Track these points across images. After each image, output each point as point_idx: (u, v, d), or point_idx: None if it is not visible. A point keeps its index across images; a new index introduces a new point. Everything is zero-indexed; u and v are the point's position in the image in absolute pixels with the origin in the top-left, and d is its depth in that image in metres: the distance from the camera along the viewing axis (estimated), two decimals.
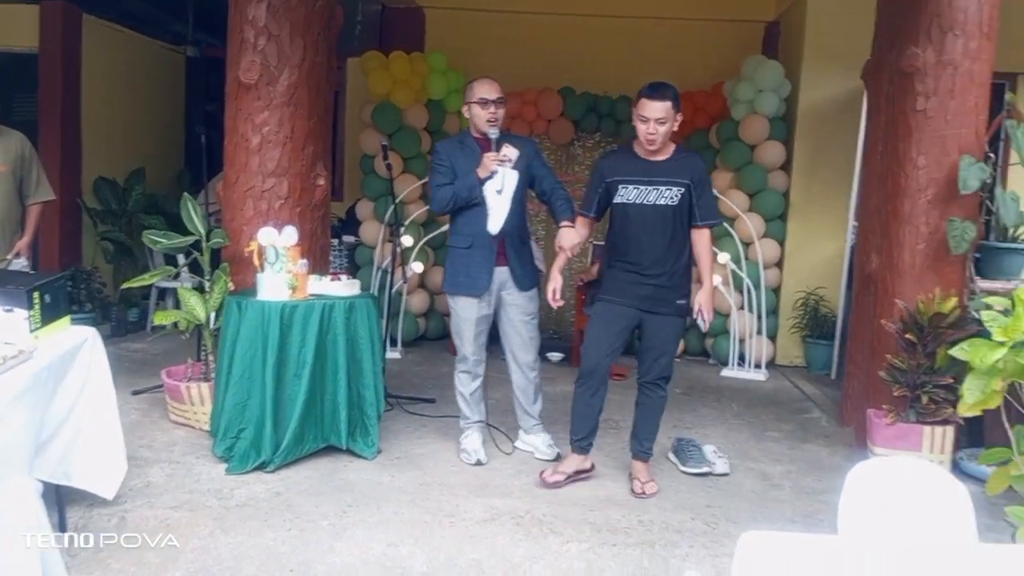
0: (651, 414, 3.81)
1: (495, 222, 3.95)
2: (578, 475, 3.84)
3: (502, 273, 4.01)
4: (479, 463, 4.03)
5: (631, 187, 3.62)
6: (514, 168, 3.94)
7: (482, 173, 3.88)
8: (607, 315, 3.72)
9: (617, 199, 3.67)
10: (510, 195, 3.92)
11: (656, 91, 3.50)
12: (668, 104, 3.49)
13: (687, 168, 3.62)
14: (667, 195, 3.58)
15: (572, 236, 3.81)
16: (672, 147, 3.67)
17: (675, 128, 3.58)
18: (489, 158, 3.87)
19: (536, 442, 4.22)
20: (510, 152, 3.90)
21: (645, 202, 3.60)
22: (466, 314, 4.04)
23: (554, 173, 4.16)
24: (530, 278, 4.10)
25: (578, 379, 3.77)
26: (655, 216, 3.60)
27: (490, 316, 4.09)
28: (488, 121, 3.91)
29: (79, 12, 6.42)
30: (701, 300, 3.68)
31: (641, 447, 3.81)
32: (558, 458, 4.05)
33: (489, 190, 3.91)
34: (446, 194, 3.94)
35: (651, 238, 3.62)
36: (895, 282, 4.35)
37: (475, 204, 3.93)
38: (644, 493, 3.68)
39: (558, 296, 3.79)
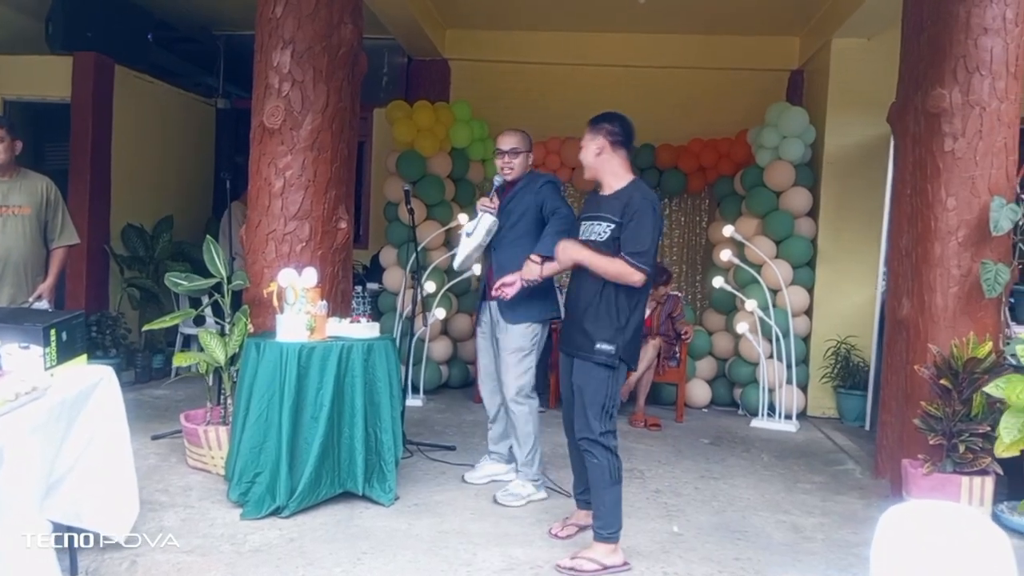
0: (593, 482, 3.36)
1: (457, 258, 4.18)
2: (584, 530, 3.65)
3: (492, 307, 4.15)
4: (463, 479, 4.38)
5: (584, 223, 3.47)
6: (520, 211, 4.07)
7: (479, 209, 4.12)
8: (561, 365, 3.62)
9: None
10: (476, 241, 4.05)
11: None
12: (586, 129, 3.48)
13: (621, 203, 3.31)
14: (597, 230, 3.36)
15: (530, 270, 3.68)
16: (625, 182, 3.39)
17: (596, 154, 3.41)
18: (481, 201, 4.13)
19: (512, 487, 4.14)
20: (493, 204, 4.08)
21: (585, 237, 3.42)
22: (476, 342, 4.42)
23: (558, 213, 3.97)
24: (522, 314, 4.00)
25: None
26: None
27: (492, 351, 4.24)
28: (501, 169, 4.17)
29: (111, 63, 6.56)
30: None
31: (595, 522, 3.35)
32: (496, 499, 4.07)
33: (463, 230, 4.16)
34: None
35: (583, 275, 3.40)
36: (927, 327, 4.23)
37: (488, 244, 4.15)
38: (560, 567, 3.27)
39: (503, 290, 3.76)
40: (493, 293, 3.80)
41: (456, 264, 4.19)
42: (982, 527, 1.87)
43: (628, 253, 3.22)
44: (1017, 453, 2.69)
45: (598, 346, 3.26)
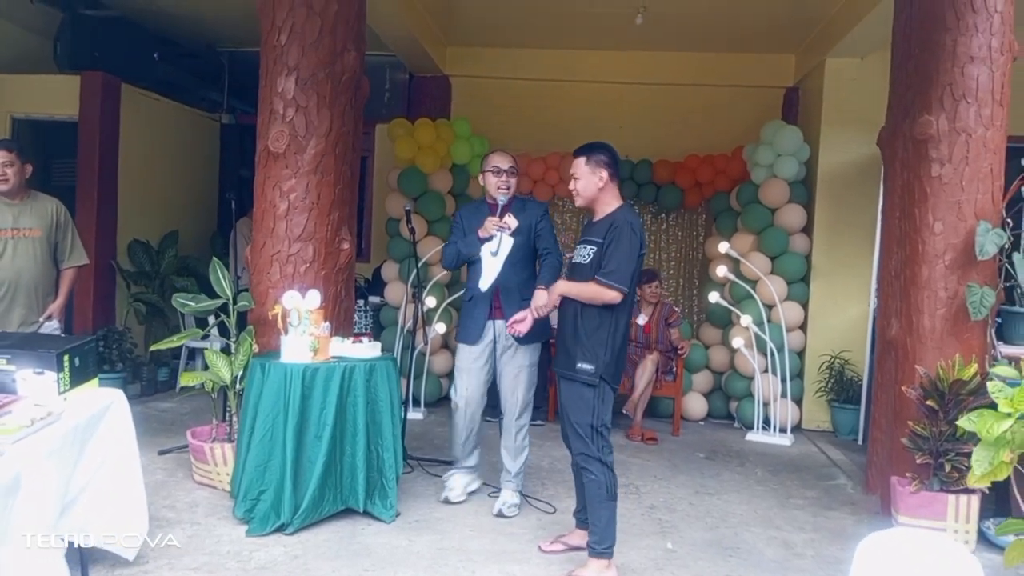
0: (589, 497, 3.46)
1: (485, 281, 4.27)
2: (573, 550, 3.72)
3: (499, 326, 4.24)
4: (447, 500, 4.35)
5: (578, 246, 3.64)
6: (517, 232, 4.19)
7: (482, 234, 4.23)
8: (556, 386, 3.73)
9: None
10: (503, 258, 4.21)
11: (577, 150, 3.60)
12: (581, 160, 3.55)
13: (605, 226, 3.46)
14: (583, 253, 3.55)
15: (540, 298, 3.73)
16: (615, 207, 3.52)
17: (599, 187, 3.50)
18: (491, 222, 4.21)
19: (502, 495, 4.33)
20: (510, 221, 4.18)
21: (576, 260, 3.59)
22: (462, 363, 4.35)
23: (554, 238, 4.34)
24: (533, 336, 4.04)
25: None
26: (575, 275, 3.56)
27: (488, 369, 4.33)
28: (498, 188, 4.27)
29: (118, 82, 6.68)
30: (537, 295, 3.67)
31: (590, 537, 3.46)
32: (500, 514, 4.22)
33: (485, 251, 4.25)
34: (451, 251, 4.40)
35: (567, 300, 3.52)
36: (915, 348, 4.33)
37: (476, 261, 4.29)
38: None
39: (516, 327, 3.72)
40: (508, 331, 3.82)
41: (486, 286, 4.24)
42: (957, 556, 1.97)
43: (600, 274, 3.37)
44: (988, 485, 2.78)
45: (579, 365, 3.40)
